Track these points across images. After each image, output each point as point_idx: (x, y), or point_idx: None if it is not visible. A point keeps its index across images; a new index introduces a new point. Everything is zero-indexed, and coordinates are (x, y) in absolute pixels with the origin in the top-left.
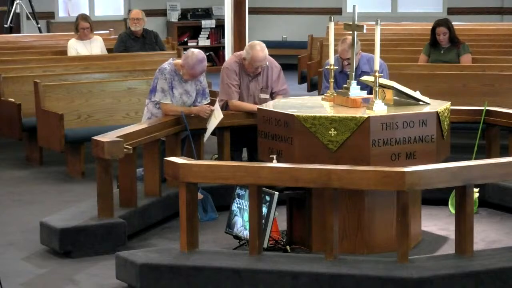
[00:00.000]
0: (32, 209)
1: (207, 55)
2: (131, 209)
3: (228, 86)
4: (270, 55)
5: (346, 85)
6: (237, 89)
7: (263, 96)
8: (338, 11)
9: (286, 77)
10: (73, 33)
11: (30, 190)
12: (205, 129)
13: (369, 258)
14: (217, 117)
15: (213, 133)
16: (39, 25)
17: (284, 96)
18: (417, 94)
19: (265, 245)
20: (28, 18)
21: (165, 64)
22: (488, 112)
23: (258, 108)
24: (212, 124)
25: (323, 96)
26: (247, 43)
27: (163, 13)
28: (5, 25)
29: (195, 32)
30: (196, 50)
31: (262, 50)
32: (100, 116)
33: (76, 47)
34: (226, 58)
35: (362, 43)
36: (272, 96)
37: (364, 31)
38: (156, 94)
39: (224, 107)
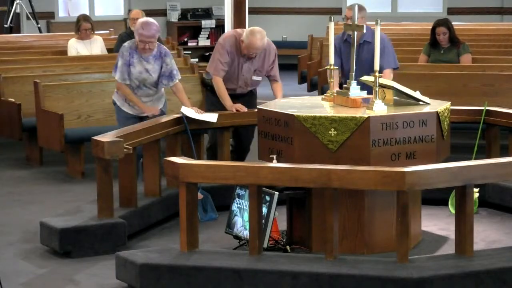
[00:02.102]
0: (32, 209)
1: (207, 55)
2: (131, 209)
3: (217, 62)
4: None
5: (346, 85)
6: (224, 67)
7: (255, 78)
8: (338, 11)
9: (286, 77)
10: (73, 33)
11: (30, 190)
12: (204, 129)
13: (369, 258)
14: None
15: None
16: (39, 25)
17: (274, 80)
18: (417, 94)
19: (265, 245)
20: (28, 18)
21: (128, 41)
22: (488, 112)
23: (258, 108)
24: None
25: (323, 96)
26: None
27: (163, 13)
28: (5, 25)
29: (195, 32)
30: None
31: (261, 39)
32: (100, 116)
33: (76, 47)
34: None
35: None
36: (271, 79)
37: (364, 31)
38: (116, 72)
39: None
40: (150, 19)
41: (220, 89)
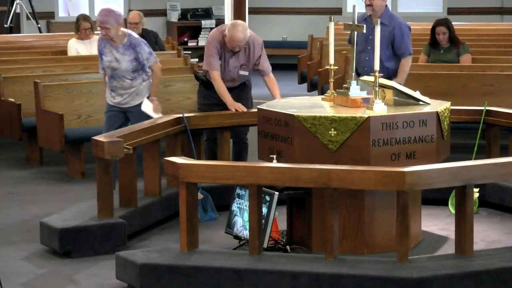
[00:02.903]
0: (32, 209)
1: None
2: (131, 209)
3: (209, 58)
4: (271, 55)
5: (346, 85)
6: (217, 58)
7: (242, 73)
8: (338, 11)
9: (286, 77)
10: (73, 33)
11: (30, 190)
12: (204, 129)
13: (369, 258)
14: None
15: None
16: (39, 25)
17: (264, 74)
18: (417, 94)
19: (265, 245)
20: (28, 18)
21: None
22: (488, 112)
23: (258, 108)
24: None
25: (323, 96)
26: None
27: (163, 13)
28: (5, 25)
29: (195, 32)
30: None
31: (242, 31)
32: (100, 116)
33: (76, 47)
34: None
35: None
36: (261, 74)
37: (364, 31)
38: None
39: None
40: (112, 6)
41: (219, 86)
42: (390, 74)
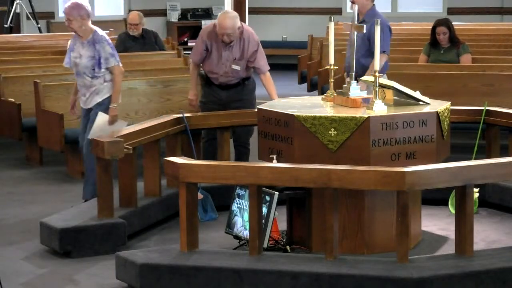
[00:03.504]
0: (32, 209)
1: None
2: (131, 209)
3: (194, 49)
4: (270, 55)
5: (346, 85)
6: (199, 54)
7: (235, 67)
8: (338, 11)
9: (286, 77)
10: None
11: (30, 190)
12: (204, 129)
13: (369, 258)
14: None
15: None
16: (39, 25)
17: (260, 72)
18: (417, 94)
19: (265, 245)
20: (28, 18)
21: None
22: (488, 112)
23: (258, 108)
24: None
25: (323, 96)
26: None
27: (163, 13)
28: (5, 25)
29: (195, 32)
30: None
31: (231, 19)
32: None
33: None
34: None
35: None
36: (257, 71)
37: (364, 31)
38: None
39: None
40: (82, 1)
41: (191, 75)
42: (366, 70)
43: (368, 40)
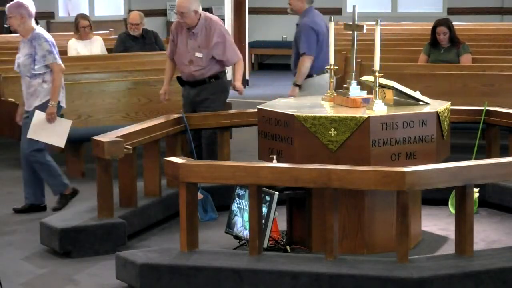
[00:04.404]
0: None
1: None
2: (131, 209)
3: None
4: (271, 55)
5: (346, 85)
6: (172, 46)
7: (198, 55)
8: (338, 11)
9: (286, 77)
10: (73, 33)
11: None
12: (205, 129)
13: (369, 258)
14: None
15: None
16: (39, 25)
17: (229, 65)
18: (417, 94)
19: (265, 245)
20: None
21: None
22: (488, 112)
23: (258, 108)
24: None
25: (323, 96)
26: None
27: (163, 13)
28: (5, 25)
29: None
30: None
31: None
32: (100, 116)
33: (76, 47)
34: None
35: (362, 43)
36: (225, 64)
37: (364, 31)
38: None
39: None
40: (25, 0)
41: (165, 70)
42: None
43: (296, 41)
